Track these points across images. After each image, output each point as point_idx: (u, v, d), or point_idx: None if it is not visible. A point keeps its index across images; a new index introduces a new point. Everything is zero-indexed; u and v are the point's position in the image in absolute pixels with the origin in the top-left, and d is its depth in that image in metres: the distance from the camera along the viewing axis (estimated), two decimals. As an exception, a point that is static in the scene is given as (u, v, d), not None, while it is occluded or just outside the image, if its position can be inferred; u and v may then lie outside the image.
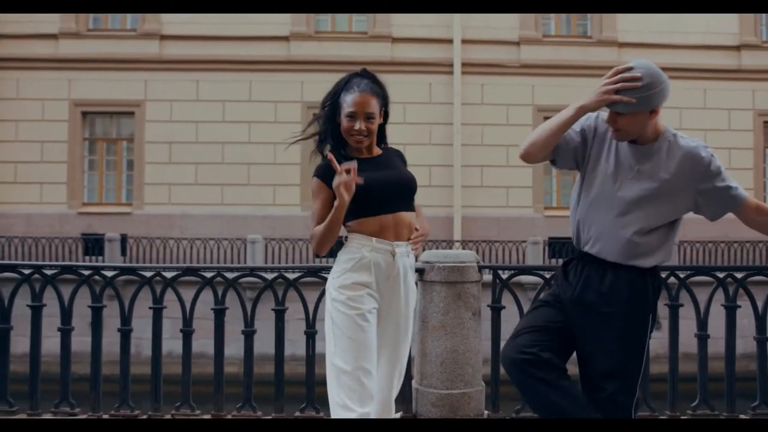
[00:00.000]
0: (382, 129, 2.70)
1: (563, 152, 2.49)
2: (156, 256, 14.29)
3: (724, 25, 15.90)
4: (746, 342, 4.05)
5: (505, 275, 3.90)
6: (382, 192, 2.52)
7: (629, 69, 2.30)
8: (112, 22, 15.91)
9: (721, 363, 3.76)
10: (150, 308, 3.67)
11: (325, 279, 3.48)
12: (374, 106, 2.57)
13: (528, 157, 2.49)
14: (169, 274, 3.66)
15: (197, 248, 14.35)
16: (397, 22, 15.69)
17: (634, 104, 2.25)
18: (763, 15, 16.30)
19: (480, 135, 15.57)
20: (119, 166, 15.84)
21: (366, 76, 2.63)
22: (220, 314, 3.70)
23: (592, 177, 2.45)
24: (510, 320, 3.82)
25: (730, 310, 3.79)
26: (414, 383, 3.83)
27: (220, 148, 15.42)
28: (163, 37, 15.52)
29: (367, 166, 2.52)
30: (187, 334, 3.70)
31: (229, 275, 3.73)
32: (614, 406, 2.38)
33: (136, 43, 15.51)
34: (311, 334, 3.74)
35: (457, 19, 15.43)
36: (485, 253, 14.61)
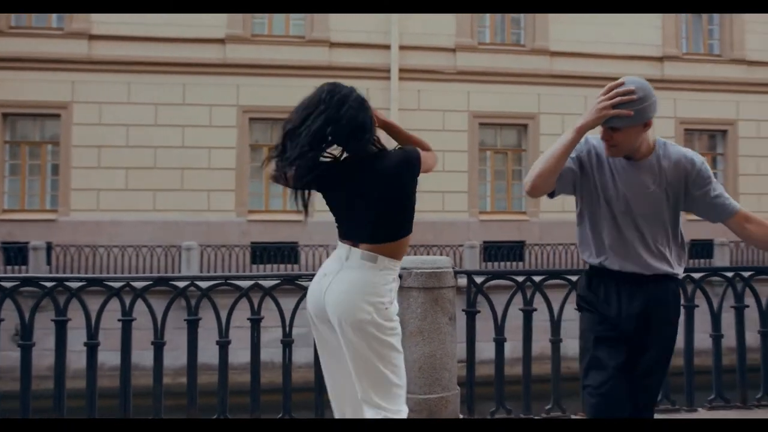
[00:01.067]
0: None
1: (563, 180, 2.48)
2: (86, 265, 13.73)
3: (649, 37, 16.63)
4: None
5: (479, 280, 3.93)
6: None
7: (622, 84, 2.35)
8: (37, 20, 15.20)
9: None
10: (119, 320, 3.51)
11: (303, 287, 3.45)
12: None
13: (536, 190, 2.43)
14: (138, 285, 3.51)
15: (129, 256, 13.87)
16: (334, 27, 15.66)
17: (631, 117, 2.29)
18: (684, 28, 17.14)
19: (417, 140, 15.67)
20: (43, 171, 15.12)
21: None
22: (193, 325, 3.57)
23: (599, 198, 2.46)
24: (484, 322, 3.88)
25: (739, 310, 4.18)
26: (391, 389, 3.80)
27: (153, 153, 14.96)
28: (92, 37, 14.94)
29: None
30: (158, 346, 3.56)
31: (203, 284, 3.61)
32: (650, 407, 2.48)
33: (63, 43, 14.86)
34: (287, 343, 3.67)
35: (395, 25, 15.53)
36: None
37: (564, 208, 16.12)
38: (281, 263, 14.42)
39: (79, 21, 14.84)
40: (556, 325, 4.00)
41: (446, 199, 15.75)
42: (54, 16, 15.20)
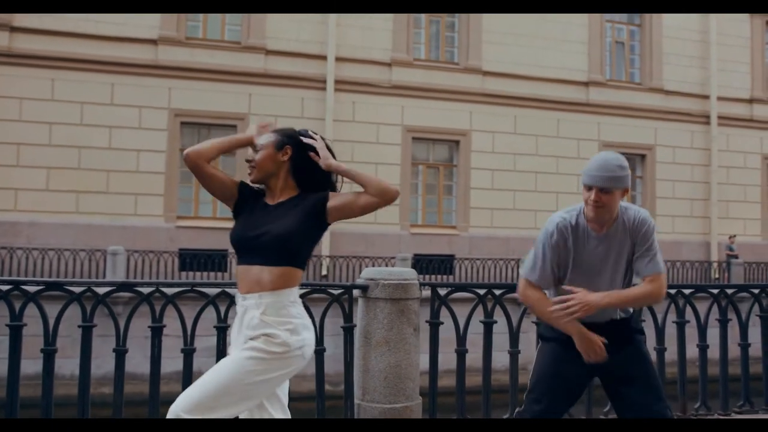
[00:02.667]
0: (310, 175, 2.55)
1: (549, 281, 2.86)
2: (1, 268, 13.03)
3: (576, 63, 17.34)
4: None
5: (443, 292, 4.00)
6: (235, 241, 2.46)
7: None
8: (-46, 8, 14.39)
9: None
10: (80, 326, 3.37)
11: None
12: (265, 138, 2.52)
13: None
14: (101, 290, 3.39)
15: (50, 259, 13.27)
16: (271, 34, 15.55)
17: (621, 181, 2.65)
18: (608, 56, 17.97)
19: (351, 152, 15.71)
20: (-45, 167, 14.28)
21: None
22: (157, 332, 3.47)
23: (567, 269, 2.80)
24: (446, 334, 3.95)
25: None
26: (356, 399, 3.82)
27: (77, 153, 14.38)
28: (14, 29, 14.26)
29: (259, 211, 2.49)
30: (120, 353, 3.44)
31: (168, 291, 3.52)
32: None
33: (-19, 34, 14.13)
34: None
35: (332, 35, 15.57)
36: (355, 269, 14.76)
37: (493, 223, 16.56)
38: (210, 271, 14.12)
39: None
40: (515, 336, 4.11)
41: (378, 211, 15.74)
42: (-26, 5, 14.42)
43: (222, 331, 3.58)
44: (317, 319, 3.74)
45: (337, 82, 15.68)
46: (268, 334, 2.28)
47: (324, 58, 15.66)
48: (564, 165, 16.73)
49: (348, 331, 3.87)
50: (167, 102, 14.95)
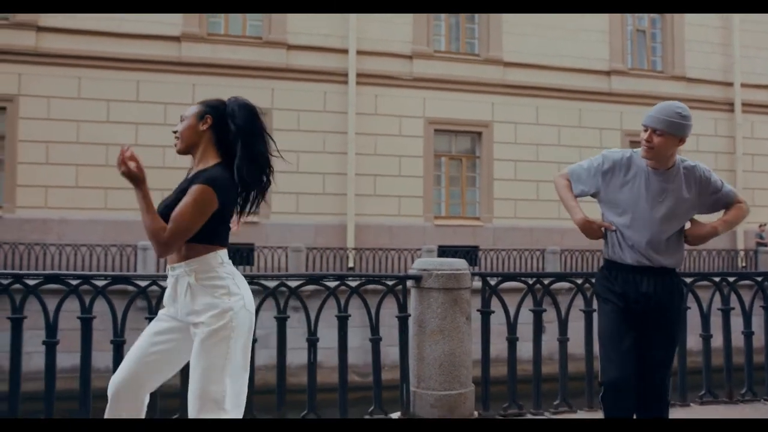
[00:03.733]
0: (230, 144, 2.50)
1: (584, 185, 2.98)
2: (36, 264, 13.25)
3: (597, 52, 17.26)
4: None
5: (493, 282, 4.07)
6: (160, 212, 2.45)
7: None
8: (-19, 9, 14.59)
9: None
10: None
11: (328, 287, 3.54)
12: (189, 109, 2.55)
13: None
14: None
15: (83, 255, 13.47)
16: (292, 29, 15.62)
17: (673, 126, 2.71)
18: (629, 45, 17.87)
19: (374, 145, 15.82)
20: (-13, 166, 14.53)
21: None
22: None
23: (621, 204, 2.84)
24: (497, 322, 4.02)
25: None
26: (412, 386, 3.90)
27: (104, 150, 14.54)
28: (40, 29, 14.45)
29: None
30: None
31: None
32: (665, 390, 2.80)
33: (8, 34, 14.31)
34: (313, 342, 3.73)
35: (353, 29, 15.62)
36: (380, 261, 14.85)
37: (516, 214, 16.57)
38: (239, 265, 14.23)
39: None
40: (563, 325, 4.17)
41: (402, 204, 15.92)
42: None
43: (282, 321, 3.68)
44: (372, 310, 3.83)
45: (358, 75, 15.73)
46: (211, 313, 2.32)
47: (345, 51, 15.71)
48: (586, 155, 16.27)
49: (403, 320, 3.95)
50: (191, 98, 15.04)
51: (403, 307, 3.94)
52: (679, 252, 2.87)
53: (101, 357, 3.78)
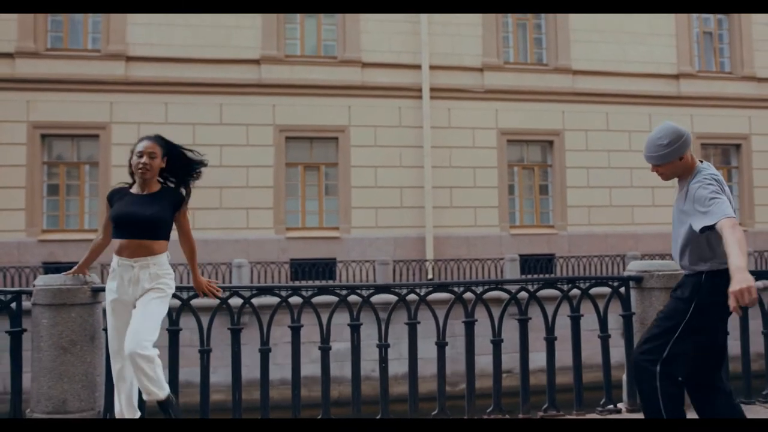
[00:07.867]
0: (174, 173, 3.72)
1: None
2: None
3: (664, 56, 17.35)
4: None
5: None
6: (117, 219, 3.55)
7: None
8: (72, 42, 15.34)
9: None
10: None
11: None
12: (156, 148, 3.57)
13: None
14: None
15: (180, 273, 14.02)
16: (366, 47, 16.07)
17: (663, 157, 3.01)
18: (696, 47, 17.90)
19: (448, 157, 16.16)
20: (82, 191, 15.23)
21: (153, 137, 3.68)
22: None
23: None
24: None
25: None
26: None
27: (192, 172, 15.13)
28: (129, 59, 15.14)
29: (135, 200, 3.59)
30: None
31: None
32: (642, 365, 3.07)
33: (101, 64, 15.05)
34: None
35: (425, 45, 16.00)
36: (459, 271, 15.16)
37: (590, 221, 16.73)
38: (321, 279, 14.72)
39: (115, 43, 15.04)
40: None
41: (478, 214, 16.22)
42: (90, 38, 15.38)
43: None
44: (600, 307, 4.42)
45: (432, 89, 16.09)
46: (162, 282, 3.59)
47: (418, 67, 16.09)
48: (659, 159, 16.72)
49: (626, 318, 4.39)
50: (272, 118, 15.63)
51: (626, 305, 4.40)
52: None
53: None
